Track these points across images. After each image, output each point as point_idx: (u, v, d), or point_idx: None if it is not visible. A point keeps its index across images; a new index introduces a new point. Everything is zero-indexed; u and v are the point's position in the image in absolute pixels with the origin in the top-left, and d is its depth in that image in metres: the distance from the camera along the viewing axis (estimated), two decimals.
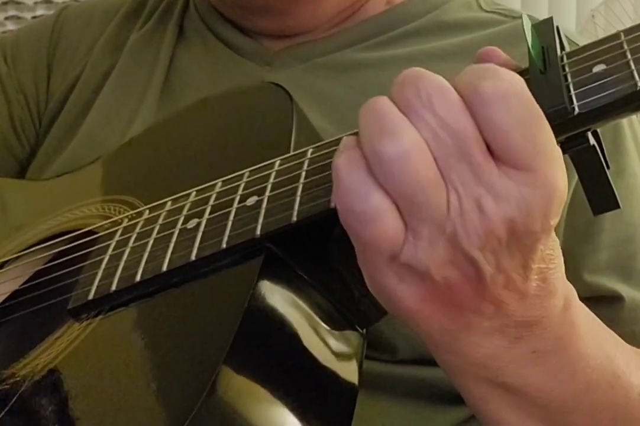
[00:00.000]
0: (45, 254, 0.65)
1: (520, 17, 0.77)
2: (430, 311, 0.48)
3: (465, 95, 0.45)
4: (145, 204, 0.62)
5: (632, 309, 0.72)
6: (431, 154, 0.44)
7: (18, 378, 0.55)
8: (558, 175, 0.45)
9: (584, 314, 0.53)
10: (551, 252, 0.49)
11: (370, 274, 0.48)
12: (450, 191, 0.45)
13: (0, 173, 0.86)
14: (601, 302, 0.72)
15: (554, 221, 0.46)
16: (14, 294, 0.65)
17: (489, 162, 0.45)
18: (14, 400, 0.54)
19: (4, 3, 2.33)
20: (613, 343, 0.56)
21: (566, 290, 0.51)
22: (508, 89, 0.44)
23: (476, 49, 0.66)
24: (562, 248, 0.71)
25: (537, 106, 0.45)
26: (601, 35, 2.19)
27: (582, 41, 0.76)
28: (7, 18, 2.34)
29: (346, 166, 0.45)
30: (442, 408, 0.71)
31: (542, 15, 0.81)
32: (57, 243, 0.65)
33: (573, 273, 0.71)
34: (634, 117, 0.78)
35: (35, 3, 2.35)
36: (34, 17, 2.29)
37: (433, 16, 0.80)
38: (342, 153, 0.47)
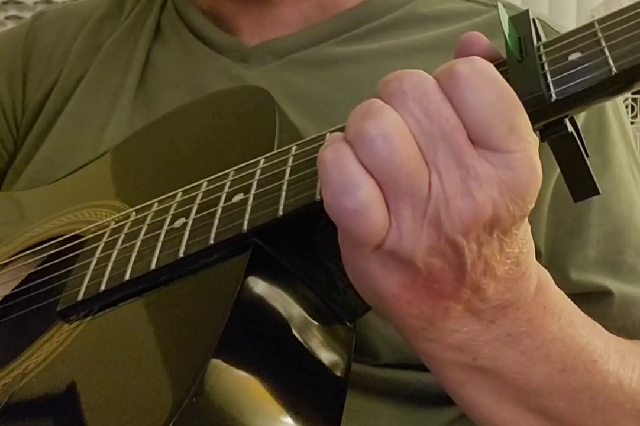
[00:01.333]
0: (33, 259, 0.66)
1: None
2: (411, 297, 0.48)
3: (441, 78, 0.46)
4: (132, 208, 0.62)
5: (623, 304, 0.72)
6: (413, 137, 0.45)
7: (9, 380, 0.55)
8: (534, 158, 0.46)
9: (559, 299, 0.54)
10: (524, 237, 0.49)
11: (353, 262, 0.49)
12: (432, 173, 0.45)
13: None
14: (591, 298, 0.72)
15: (531, 206, 0.47)
16: (7, 298, 0.65)
17: (470, 146, 0.46)
18: (5, 402, 0.54)
19: (4, 2, 2.31)
20: (590, 328, 0.57)
21: (539, 274, 0.52)
22: (480, 68, 0.46)
23: (455, 41, 0.67)
24: (546, 246, 0.72)
25: (510, 88, 0.46)
26: None
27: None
28: (7, 18, 2.33)
29: (332, 157, 0.46)
30: (431, 409, 0.72)
31: (542, 16, 0.80)
32: (45, 248, 0.66)
33: (560, 271, 0.71)
34: (620, 108, 0.78)
35: (35, 3, 2.34)
36: None
37: (410, 8, 0.79)
38: (328, 146, 0.47)
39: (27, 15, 2.32)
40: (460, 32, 0.75)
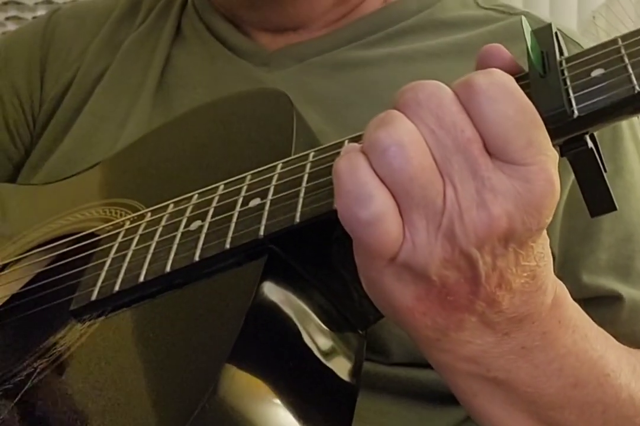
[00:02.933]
0: (45, 257, 0.66)
1: (518, 13, 0.78)
2: (425, 309, 0.48)
3: (459, 90, 0.46)
4: (147, 207, 0.62)
5: (632, 310, 0.73)
6: (428, 147, 0.45)
7: (22, 378, 0.56)
8: (551, 171, 0.46)
9: (574, 313, 0.54)
10: (541, 250, 0.49)
11: (367, 274, 0.49)
12: (446, 185, 0.45)
13: None
14: (601, 303, 0.72)
15: (549, 219, 0.47)
16: (15, 297, 0.65)
17: (486, 157, 0.45)
18: (17, 399, 0.54)
19: (5, 3, 2.34)
20: (603, 341, 0.57)
21: (555, 288, 0.52)
22: (499, 80, 0.46)
23: (472, 47, 0.67)
24: (560, 250, 0.73)
25: (529, 101, 0.46)
26: (602, 36, 2.20)
27: (585, 42, 0.77)
28: (7, 18, 2.36)
29: (346, 166, 0.46)
30: (440, 408, 0.72)
31: (543, 17, 0.80)
32: (57, 245, 0.66)
33: (572, 275, 0.72)
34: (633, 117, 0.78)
35: (36, 3, 2.36)
36: (34, 18, 2.30)
37: (428, 14, 0.80)
38: (343, 156, 0.47)
39: (28, 16, 2.35)
40: (477, 39, 0.76)
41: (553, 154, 0.46)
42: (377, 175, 0.46)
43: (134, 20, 0.87)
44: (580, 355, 0.54)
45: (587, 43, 0.76)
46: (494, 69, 0.47)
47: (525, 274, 0.49)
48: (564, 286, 0.53)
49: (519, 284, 0.49)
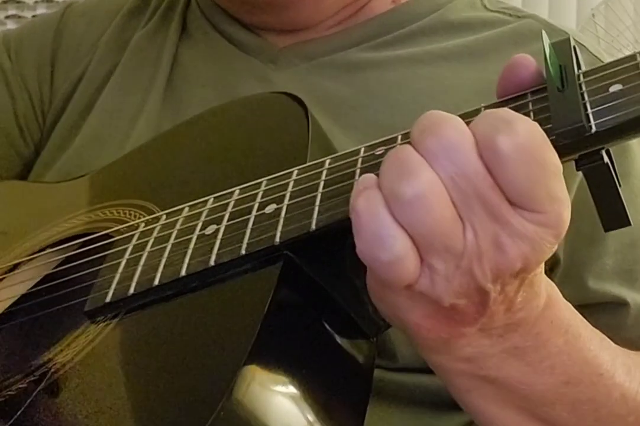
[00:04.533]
0: (57, 257, 0.66)
1: (525, 17, 0.78)
2: (431, 326, 0.50)
3: (482, 148, 0.46)
4: (161, 209, 0.62)
5: (638, 315, 0.73)
6: (449, 195, 0.46)
7: (35, 378, 0.56)
8: (566, 213, 0.47)
9: (566, 313, 0.55)
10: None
11: (380, 294, 0.51)
12: (466, 229, 0.46)
13: (4, 171, 0.86)
14: (607, 309, 0.73)
15: (555, 248, 0.48)
16: (26, 297, 0.65)
17: (505, 203, 0.46)
18: (30, 400, 0.54)
19: (4, 2, 2.35)
20: (598, 342, 0.58)
21: (547, 289, 0.53)
22: (523, 145, 0.45)
23: (481, 50, 0.66)
24: (565, 253, 0.73)
25: (550, 154, 0.46)
26: (601, 34, 2.19)
27: (585, 40, 0.77)
28: (7, 17, 2.37)
29: (366, 208, 0.47)
30: (443, 413, 0.73)
31: (543, 14, 0.81)
32: (69, 246, 0.66)
33: (578, 280, 0.72)
34: None
35: (36, 2, 2.37)
36: (34, 16, 2.30)
37: (438, 15, 0.80)
38: (362, 193, 0.48)
39: (28, 14, 2.36)
40: (485, 41, 0.77)
41: (566, 198, 0.47)
42: (399, 222, 0.46)
43: (142, 17, 0.87)
44: (572, 353, 0.55)
45: (598, 50, 0.76)
46: (519, 125, 0.46)
47: (524, 287, 0.50)
48: (555, 286, 0.55)
49: (519, 296, 0.51)
